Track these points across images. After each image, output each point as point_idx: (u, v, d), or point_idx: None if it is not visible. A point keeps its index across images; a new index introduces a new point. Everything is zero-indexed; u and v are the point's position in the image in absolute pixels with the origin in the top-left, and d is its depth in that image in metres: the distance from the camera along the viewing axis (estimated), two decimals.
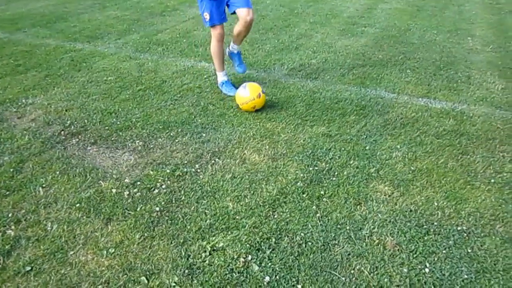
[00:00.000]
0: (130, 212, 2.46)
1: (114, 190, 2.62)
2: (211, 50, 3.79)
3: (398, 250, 2.24)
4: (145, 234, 2.30)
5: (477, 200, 2.63)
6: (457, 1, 7.85)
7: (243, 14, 3.46)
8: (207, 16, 3.57)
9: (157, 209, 2.48)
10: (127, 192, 2.61)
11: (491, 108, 3.80)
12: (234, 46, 3.91)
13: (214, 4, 3.53)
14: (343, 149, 3.07)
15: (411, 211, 2.52)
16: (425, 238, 2.32)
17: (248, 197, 2.59)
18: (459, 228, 2.40)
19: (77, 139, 3.16)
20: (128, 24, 5.95)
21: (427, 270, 2.13)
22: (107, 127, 3.31)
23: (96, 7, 6.80)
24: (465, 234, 2.37)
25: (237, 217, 2.43)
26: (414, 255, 2.21)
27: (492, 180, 2.82)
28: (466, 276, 2.11)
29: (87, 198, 2.55)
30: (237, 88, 3.66)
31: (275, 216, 2.44)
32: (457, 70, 4.58)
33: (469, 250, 2.26)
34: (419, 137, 3.27)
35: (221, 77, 3.92)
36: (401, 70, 4.50)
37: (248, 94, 3.48)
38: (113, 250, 2.19)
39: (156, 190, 2.64)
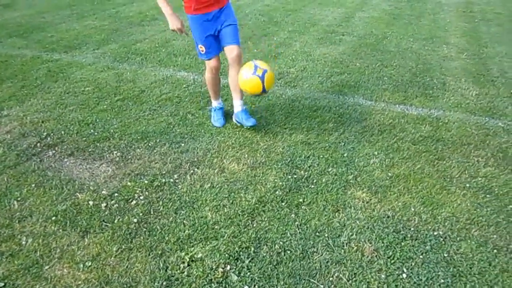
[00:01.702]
0: (107, 224, 2.43)
1: (91, 202, 2.58)
2: (206, 81, 3.49)
3: (376, 256, 2.26)
4: (123, 246, 2.27)
5: (453, 205, 2.68)
6: (432, 9, 8.01)
7: (229, 51, 3.27)
8: (202, 48, 3.29)
9: (135, 220, 2.45)
10: (105, 204, 2.58)
11: (466, 114, 3.88)
12: (238, 103, 3.43)
13: (210, 36, 3.26)
14: (321, 156, 3.10)
15: (388, 217, 2.54)
16: (403, 243, 2.35)
17: (227, 206, 2.58)
18: (435, 233, 2.44)
19: (53, 151, 3.11)
20: (106, 34, 5.91)
21: (404, 275, 2.15)
22: (84, 138, 3.27)
23: (74, 17, 6.74)
24: (442, 239, 2.40)
25: (216, 227, 2.42)
26: (392, 261, 2.23)
27: (468, 185, 2.88)
28: (442, 281, 2.13)
29: (63, 211, 2.51)
30: (225, 120, 3.52)
31: (254, 225, 2.44)
32: (432, 77, 4.67)
33: (446, 255, 2.29)
34: (396, 144, 3.31)
35: (214, 103, 3.60)
36: (378, 78, 4.57)
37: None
38: (89, 264, 2.16)
39: (134, 201, 2.61)
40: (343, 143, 3.28)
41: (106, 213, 2.51)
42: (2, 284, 2.02)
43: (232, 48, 3.26)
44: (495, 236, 2.45)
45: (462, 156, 3.20)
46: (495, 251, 2.34)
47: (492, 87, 4.49)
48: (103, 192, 2.68)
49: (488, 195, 2.79)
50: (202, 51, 3.31)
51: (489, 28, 6.85)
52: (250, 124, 3.32)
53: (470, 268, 2.22)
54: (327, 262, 2.20)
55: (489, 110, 3.98)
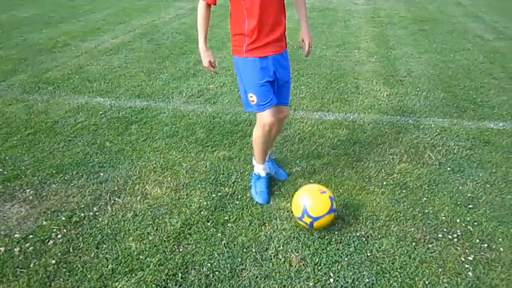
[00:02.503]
0: (22, 270, 2.26)
1: (2, 249, 2.40)
2: (255, 139, 2.75)
3: (304, 265, 2.29)
4: None
5: (372, 204, 2.79)
6: (343, 17, 8.41)
7: (278, 111, 2.71)
8: (253, 98, 2.57)
9: (53, 261, 2.31)
10: (18, 248, 2.40)
11: (379, 115, 4.09)
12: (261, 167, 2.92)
13: (268, 83, 2.58)
14: (245, 171, 3.11)
15: None
16: (328, 248, 2.40)
17: (152, 234, 2.51)
18: (358, 234, 2.52)
19: None
20: (13, 64, 5.58)
21: (331, 280, 2.20)
22: None
23: None
24: (364, 239, 2.49)
25: (141, 257, 2.34)
26: (319, 267, 2.27)
27: (385, 183, 3.02)
28: (367, 280, 2.21)
29: None
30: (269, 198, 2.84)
31: (181, 250, 2.39)
32: (346, 82, 4.88)
33: (369, 254, 2.38)
34: (316, 150, 3.41)
35: (259, 168, 2.90)
36: (295, 87, 4.70)
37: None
38: None
39: (51, 241, 2.46)
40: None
41: (20, 258, 2.34)
42: None
43: (283, 108, 2.79)
44: (412, 229, 2.58)
45: (378, 156, 3.36)
46: (413, 244, 2.46)
47: (401, 87, 4.78)
48: (16, 235, 2.50)
49: (404, 191, 2.94)
50: (253, 101, 2.58)
51: (395, 31, 7.31)
52: (283, 177, 3.04)
53: (392, 263, 2.32)
54: (256, 277, 2.20)
55: (399, 109, 4.23)
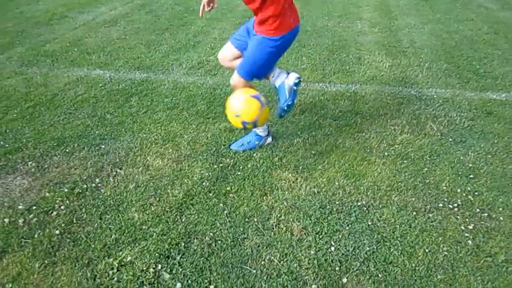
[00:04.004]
0: (27, 240, 2.29)
1: (6, 220, 2.42)
2: None
3: (305, 234, 2.31)
4: (46, 261, 2.15)
5: (373, 174, 2.80)
6: None
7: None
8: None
9: (57, 232, 2.33)
10: (22, 220, 2.42)
11: (381, 86, 4.05)
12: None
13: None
14: None
15: (314, 194, 2.61)
16: (329, 218, 2.42)
17: (154, 204, 2.53)
18: (359, 203, 2.54)
19: None
20: (11, 36, 5.51)
21: (332, 248, 2.23)
22: None
23: None
24: (365, 208, 2.51)
25: (143, 227, 2.36)
26: (320, 236, 2.30)
27: (386, 153, 3.02)
28: (368, 248, 2.23)
29: None
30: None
31: (183, 220, 2.41)
32: (348, 53, 4.82)
33: (370, 223, 2.40)
34: (318, 121, 3.40)
35: (262, 132, 3.05)
36: (297, 58, 4.64)
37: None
38: (10, 285, 2.03)
39: (55, 212, 2.48)
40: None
41: (24, 229, 2.36)
42: None
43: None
44: (413, 199, 2.59)
45: (379, 127, 3.35)
46: (414, 213, 2.48)
47: (404, 58, 4.72)
48: (19, 207, 2.52)
49: (405, 161, 2.94)
50: (256, 73, 2.84)
51: (398, 1, 7.18)
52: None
53: (393, 232, 2.34)
54: (258, 246, 2.23)
55: (402, 79, 4.19)
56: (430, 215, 2.47)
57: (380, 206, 2.53)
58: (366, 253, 2.21)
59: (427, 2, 7.05)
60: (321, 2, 7.08)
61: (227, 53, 2.95)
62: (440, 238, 2.31)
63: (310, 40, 5.22)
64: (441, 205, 2.55)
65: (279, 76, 2.90)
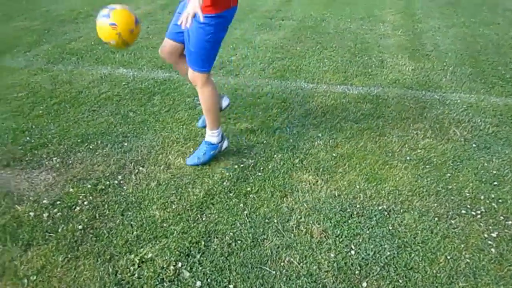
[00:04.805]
0: (51, 234, 2.33)
1: (32, 214, 2.47)
2: (212, 102, 2.80)
3: (325, 236, 2.31)
4: (69, 255, 2.19)
5: (395, 179, 2.77)
6: None
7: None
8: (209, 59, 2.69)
9: (80, 227, 2.37)
10: (47, 214, 2.47)
11: (404, 89, 4.01)
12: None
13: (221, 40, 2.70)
14: (267, 143, 3.12)
15: (335, 196, 2.60)
16: (349, 221, 2.41)
17: (175, 203, 2.55)
18: (380, 208, 2.52)
19: None
20: (38, 34, 5.63)
21: (352, 252, 2.21)
22: (20, 147, 3.11)
23: (2, 19, 6.36)
24: (386, 213, 2.49)
25: (164, 224, 2.38)
26: (340, 239, 2.29)
27: (408, 158, 2.99)
28: (389, 253, 2.21)
29: (2, 225, 2.39)
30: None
31: (204, 219, 2.43)
32: (370, 56, 4.79)
33: (391, 228, 2.38)
34: (339, 124, 3.38)
35: (216, 134, 2.87)
36: (318, 60, 4.63)
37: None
38: (34, 277, 2.07)
39: (78, 208, 2.52)
40: (287, 128, 3.31)
41: (48, 223, 2.41)
42: None
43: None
44: (435, 204, 2.56)
45: (402, 131, 3.32)
46: (436, 219, 2.45)
47: (427, 61, 4.67)
48: (44, 201, 2.58)
49: (427, 166, 2.91)
50: (208, 61, 2.71)
51: (422, 3, 7.11)
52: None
53: (414, 238, 2.32)
54: (278, 247, 2.23)
55: (425, 83, 4.14)
56: (453, 221, 2.44)
57: (402, 211, 2.51)
58: (386, 258, 2.19)
59: (452, 5, 6.95)
60: (344, 4, 7.05)
61: (168, 48, 2.84)
62: (462, 245, 2.27)
63: (332, 42, 5.20)
64: (464, 211, 2.51)
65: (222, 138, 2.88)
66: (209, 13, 2.47)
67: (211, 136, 2.85)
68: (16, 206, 2.54)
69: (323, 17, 6.31)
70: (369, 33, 5.60)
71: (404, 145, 3.13)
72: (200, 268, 2.11)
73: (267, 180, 2.73)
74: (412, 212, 2.50)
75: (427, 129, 3.34)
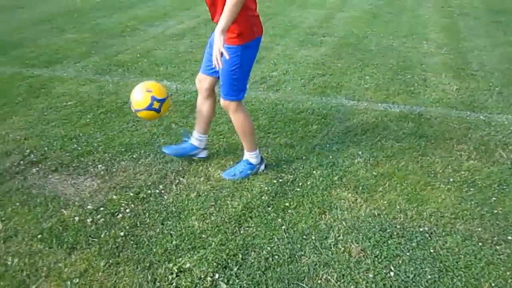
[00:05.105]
0: (94, 239, 2.41)
1: (76, 218, 2.57)
2: (247, 127, 2.87)
3: (364, 256, 2.27)
4: (110, 261, 2.26)
5: (437, 200, 2.71)
6: (411, 6, 8.11)
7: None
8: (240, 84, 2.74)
9: (122, 234, 2.44)
10: (90, 219, 2.56)
11: (448, 109, 3.93)
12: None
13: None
14: (306, 159, 3.11)
15: (374, 216, 2.57)
16: (389, 242, 2.37)
17: (214, 214, 2.58)
18: (421, 229, 2.46)
19: (37, 168, 3.09)
20: (87, 46, 5.89)
21: (392, 273, 2.17)
22: (68, 154, 3.25)
23: (54, 31, 6.69)
24: (427, 235, 2.43)
25: (203, 235, 2.42)
26: (379, 260, 2.25)
27: (451, 179, 2.91)
28: (429, 277, 2.15)
29: (48, 228, 2.49)
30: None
31: (241, 232, 2.44)
32: (413, 74, 4.72)
33: (432, 250, 2.32)
34: (380, 142, 3.34)
35: (255, 154, 2.95)
36: (360, 77, 4.61)
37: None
38: (77, 280, 2.14)
39: (120, 215, 2.60)
40: (327, 145, 3.30)
41: (92, 228, 2.50)
42: None
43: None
44: (479, 229, 2.48)
45: (445, 151, 3.24)
46: (480, 244, 2.37)
47: (472, 81, 4.56)
48: (88, 207, 2.67)
49: (471, 189, 2.82)
50: (237, 91, 2.76)
51: (467, 22, 6.96)
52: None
53: (457, 262, 2.25)
54: (315, 264, 2.21)
55: (470, 103, 4.04)
56: (498, 247, 2.35)
57: (444, 234, 2.44)
58: (427, 281, 2.13)
59: (499, 24, 6.78)
60: (386, 21, 7.01)
61: (205, 84, 2.91)
62: (508, 273, 2.18)
63: (374, 59, 5.17)
64: (510, 237, 2.41)
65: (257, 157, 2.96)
66: (235, 44, 2.55)
67: (251, 157, 2.92)
68: (62, 210, 2.65)
69: (365, 34, 6.28)
70: (412, 51, 5.53)
71: (447, 166, 3.05)
72: (237, 281, 2.12)
73: (305, 196, 2.72)
74: (454, 235, 2.43)
75: (471, 150, 3.25)
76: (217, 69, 2.46)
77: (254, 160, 2.93)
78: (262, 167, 2.98)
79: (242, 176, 2.90)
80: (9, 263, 2.25)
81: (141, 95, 2.74)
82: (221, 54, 2.35)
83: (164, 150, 3.11)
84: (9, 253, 2.32)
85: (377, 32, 6.38)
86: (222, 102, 2.79)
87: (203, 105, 2.97)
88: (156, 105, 2.70)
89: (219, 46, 2.33)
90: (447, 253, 2.30)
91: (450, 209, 2.63)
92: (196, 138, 3.04)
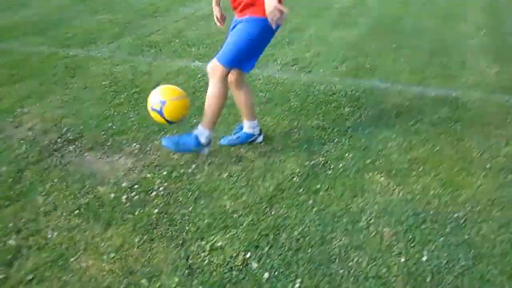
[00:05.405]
0: (129, 215, 2.47)
1: (112, 195, 2.64)
2: (213, 100, 2.81)
3: (395, 240, 2.25)
4: (145, 237, 2.32)
5: (473, 186, 2.65)
6: None
7: None
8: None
9: (156, 211, 2.50)
10: (125, 196, 2.63)
11: (486, 93, 3.81)
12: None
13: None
14: (338, 141, 3.09)
15: (407, 200, 2.53)
16: (422, 227, 2.34)
17: (245, 194, 2.60)
18: (455, 216, 2.42)
19: (73, 146, 3.17)
20: (120, 27, 5.95)
21: (424, 258, 2.15)
22: (103, 132, 3.32)
23: (88, 12, 6.79)
24: (462, 221, 2.38)
25: (234, 215, 2.45)
26: (412, 245, 2.23)
27: (488, 165, 2.84)
28: (463, 263, 2.12)
29: (86, 204, 2.57)
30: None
31: (273, 213, 2.46)
32: (450, 56, 4.58)
33: (466, 237, 2.28)
34: (414, 126, 3.28)
35: (206, 139, 2.88)
36: (394, 59, 4.51)
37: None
38: (113, 255, 2.21)
39: (154, 193, 2.65)
40: (360, 127, 3.26)
41: (127, 205, 2.56)
42: (32, 276, 2.09)
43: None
44: None
45: (482, 136, 3.16)
46: None
47: None
48: (123, 184, 2.73)
49: (510, 175, 2.75)
50: (239, 59, 2.74)
51: (509, 2, 6.66)
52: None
53: (492, 249, 2.20)
54: (346, 247, 2.21)
55: (510, 88, 3.90)
56: None
57: (479, 220, 2.39)
58: (460, 267, 2.10)
59: None
60: (423, 2, 6.79)
61: (231, 77, 2.85)
62: None
63: (410, 41, 5.04)
64: None
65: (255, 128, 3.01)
66: (264, 16, 2.49)
67: (202, 134, 2.82)
68: (98, 187, 2.72)
69: (401, 15, 6.11)
70: (449, 32, 5.35)
71: (484, 152, 2.97)
72: (268, 260, 2.15)
73: (337, 179, 2.71)
74: (490, 222, 2.37)
75: (510, 136, 3.15)
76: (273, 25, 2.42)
77: (203, 139, 2.82)
78: (206, 150, 2.90)
79: (186, 149, 2.86)
80: (49, 236, 2.34)
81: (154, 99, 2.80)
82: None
83: (221, 142, 3.09)
84: (49, 227, 2.41)
85: (413, 13, 6.19)
86: (212, 65, 2.70)
87: (239, 96, 2.95)
88: (157, 106, 2.76)
89: (276, 4, 2.30)
90: (482, 240, 2.26)
91: (487, 195, 2.57)
92: (248, 127, 3.03)
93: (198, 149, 2.86)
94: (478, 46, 4.87)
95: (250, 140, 3.07)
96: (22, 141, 3.24)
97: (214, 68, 2.71)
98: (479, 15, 6.02)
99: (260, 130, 3.10)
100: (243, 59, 2.71)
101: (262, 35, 2.64)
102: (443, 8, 6.38)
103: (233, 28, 2.76)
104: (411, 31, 5.38)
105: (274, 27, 2.46)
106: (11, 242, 2.31)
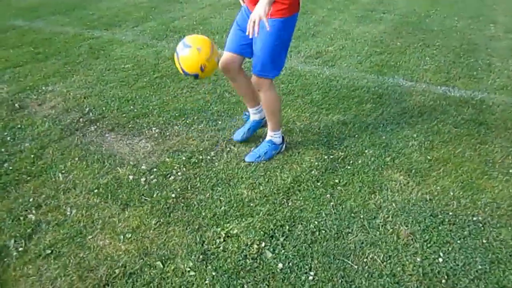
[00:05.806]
0: (146, 198, 2.50)
1: (131, 177, 2.66)
2: (273, 107, 2.76)
3: (412, 239, 2.23)
4: (161, 220, 2.34)
5: (494, 191, 2.60)
6: None
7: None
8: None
9: (173, 195, 2.52)
10: (144, 179, 2.65)
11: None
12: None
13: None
14: (358, 137, 3.06)
15: (426, 200, 2.50)
16: (440, 228, 2.31)
17: (263, 184, 2.61)
18: (474, 219, 2.38)
19: (95, 126, 3.21)
20: (145, 11, 5.98)
21: (440, 260, 2.12)
22: (124, 115, 3.36)
23: None
24: (481, 225, 2.35)
25: (251, 204, 2.45)
26: (428, 245, 2.20)
27: (511, 171, 2.78)
28: (480, 267, 2.09)
29: (105, 184, 2.60)
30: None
31: (289, 204, 2.46)
32: (477, 58, 4.49)
33: (484, 241, 2.24)
34: (437, 126, 3.23)
35: (278, 138, 2.88)
36: (419, 58, 4.44)
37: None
38: (130, 235, 2.24)
39: (172, 177, 2.67)
40: (381, 125, 3.23)
41: (145, 187, 2.58)
42: (49, 251, 2.13)
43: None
44: None
45: (506, 141, 3.09)
46: None
47: None
48: (142, 167, 2.76)
49: None
50: (276, 67, 2.62)
51: None
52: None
53: (510, 255, 2.17)
54: (362, 243, 2.20)
55: None
56: None
57: (498, 225, 2.35)
58: (477, 271, 2.07)
59: None
60: (451, 1, 6.66)
61: (229, 61, 2.70)
62: None
63: (436, 40, 4.95)
64: None
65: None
66: (284, 16, 2.42)
67: (274, 137, 2.84)
68: (118, 168, 2.75)
69: (428, 13, 6.01)
70: (477, 33, 5.24)
71: (507, 156, 2.91)
72: (282, 251, 2.15)
73: (356, 175, 2.69)
74: (510, 228, 2.33)
75: None
76: (250, 36, 2.18)
77: (277, 140, 2.84)
78: (284, 146, 2.90)
79: (267, 158, 2.81)
80: (68, 213, 2.38)
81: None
82: (261, 26, 2.17)
83: (234, 138, 3.01)
84: (68, 204, 2.45)
85: (441, 11, 6.08)
86: (256, 79, 2.62)
87: (240, 86, 2.86)
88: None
89: (260, 14, 2.12)
90: (500, 245, 2.22)
91: (507, 200, 2.52)
92: (254, 113, 2.99)
93: (279, 150, 2.88)
94: (506, 49, 4.76)
95: (261, 125, 3.03)
96: (45, 119, 3.29)
97: (259, 83, 2.64)
98: (509, 18, 5.88)
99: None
100: (282, 61, 2.64)
101: (289, 33, 2.55)
102: (473, 9, 6.25)
103: (247, 16, 2.54)
104: (438, 30, 5.29)
105: (250, 36, 2.20)
106: (31, 216, 2.36)
